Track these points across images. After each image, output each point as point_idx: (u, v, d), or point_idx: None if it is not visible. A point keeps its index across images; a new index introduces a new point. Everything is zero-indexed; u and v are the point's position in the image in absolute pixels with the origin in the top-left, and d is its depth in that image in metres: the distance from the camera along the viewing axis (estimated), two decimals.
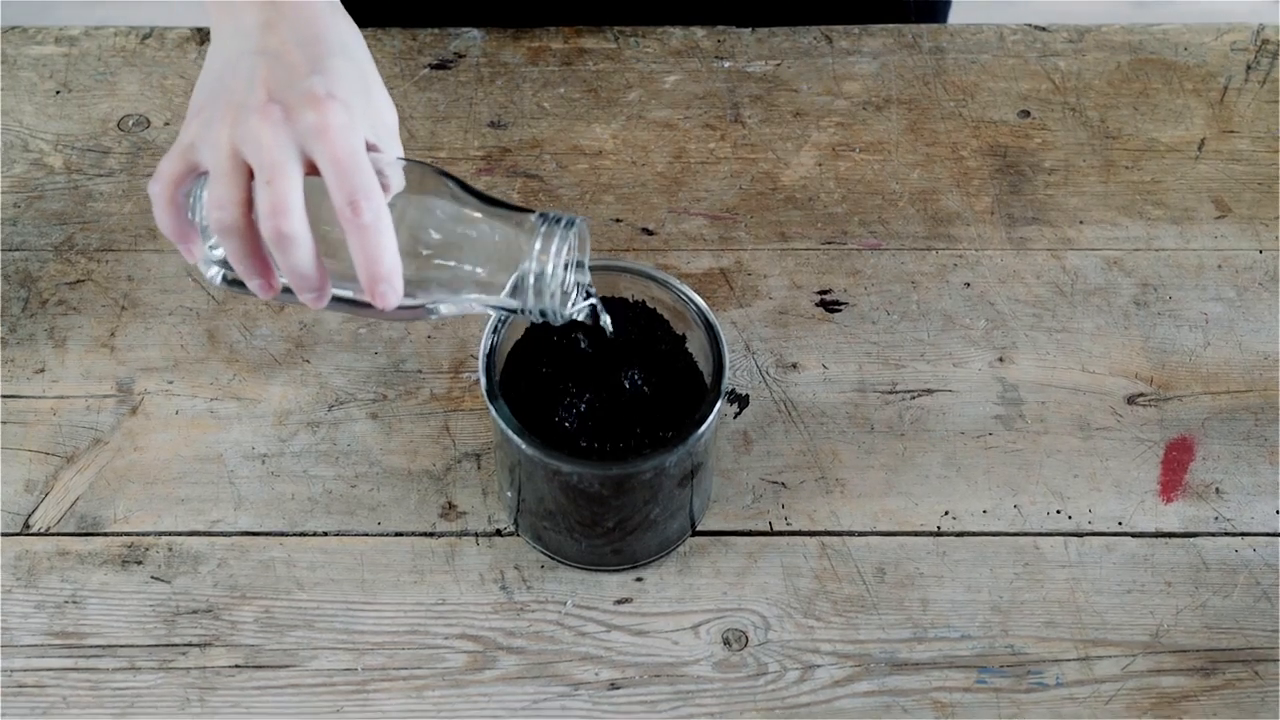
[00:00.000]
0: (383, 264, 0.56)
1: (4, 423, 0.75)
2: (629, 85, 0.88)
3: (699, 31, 0.90)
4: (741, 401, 0.76)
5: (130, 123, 0.86)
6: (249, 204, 0.57)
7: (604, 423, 0.66)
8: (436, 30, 0.89)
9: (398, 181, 0.59)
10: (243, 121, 0.56)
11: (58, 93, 0.87)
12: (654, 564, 0.71)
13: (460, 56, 0.89)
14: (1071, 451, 0.75)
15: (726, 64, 0.88)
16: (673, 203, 0.83)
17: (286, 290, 0.60)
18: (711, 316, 0.66)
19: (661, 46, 0.89)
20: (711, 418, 0.64)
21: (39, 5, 1.57)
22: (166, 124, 0.86)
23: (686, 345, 0.69)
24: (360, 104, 0.59)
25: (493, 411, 0.64)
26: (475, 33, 0.90)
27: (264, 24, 0.59)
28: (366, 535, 0.72)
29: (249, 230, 0.57)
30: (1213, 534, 0.72)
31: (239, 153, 0.57)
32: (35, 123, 0.86)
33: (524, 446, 0.64)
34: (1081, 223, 0.83)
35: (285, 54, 0.58)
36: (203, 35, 0.89)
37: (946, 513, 0.73)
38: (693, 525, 0.72)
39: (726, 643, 0.69)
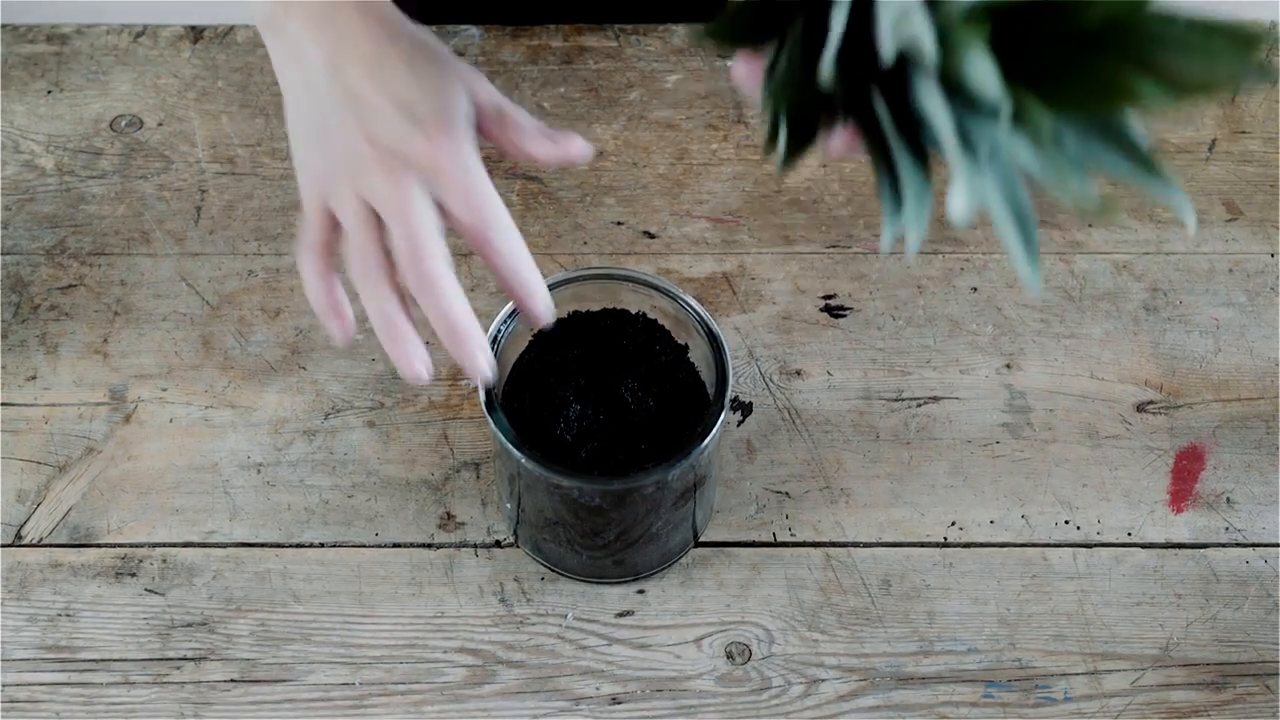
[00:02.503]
0: (536, 284, 0.58)
1: None
2: (630, 85, 0.86)
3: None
4: (745, 409, 0.75)
5: (123, 123, 0.84)
6: (388, 255, 0.57)
7: (605, 435, 0.65)
8: (434, 29, 0.88)
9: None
10: (363, 177, 0.57)
11: (49, 92, 0.86)
12: (656, 576, 0.70)
13: (459, 55, 0.87)
14: (1080, 460, 0.74)
15: (729, 63, 0.87)
16: (674, 205, 0.82)
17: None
18: (715, 327, 0.65)
19: (663, 45, 0.88)
20: (714, 431, 0.63)
21: (30, 3, 1.55)
22: (160, 124, 0.84)
23: (689, 355, 0.68)
24: (455, 103, 0.58)
25: (491, 424, 0.63)
26: (473, 31, 0.88)
27: (330, 67, 0.58)
28: (364, 546, 0.71)
29: (391, 281, 0.57)
30: (1223, 545, 0.71)
31: (369, 207, 0.57)
32: (26, 123, 0.84)
33: (523, 460, 0.63)
34: (1090, 226, 0.81)
35: (366, 97, 0.57)
36: (196, 33, 0.88)
37: (953, 523, 0.72)
38: (695, 537, 0.71)
39: (729, 656, 0.68)
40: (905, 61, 0.45)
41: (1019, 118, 0.44)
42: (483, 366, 0.58)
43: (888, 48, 0.44)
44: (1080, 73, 0.44)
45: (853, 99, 0.47)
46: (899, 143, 0.45)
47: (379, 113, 0.57)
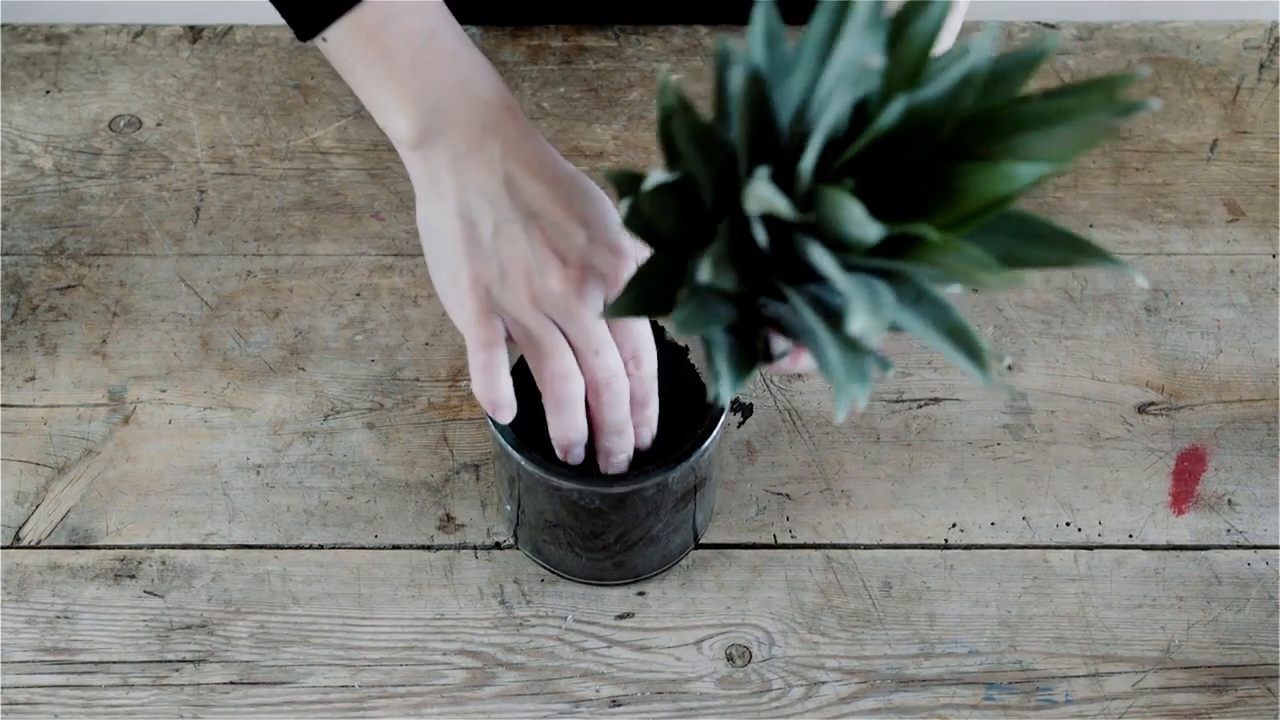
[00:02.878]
0: (654, 409, 0.62)
1: None
2: (630, 85, 0.86)
3: (702, 30, 0.88)
4: (745, 411, 0.75)
5: (122, 123, 0.84)
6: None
7: None
8: None
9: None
10: (543, 286, 0.59)
11: (48, 92, 0.85)
12: (656, 578, 0.70)
13: None
14: (1081, 462, 0.73)
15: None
16: None
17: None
18: None
19: (663, 45, 0.88)
20: (715, 434, 0.63)
21: (29, 2, 1.55)
22: (159, 124, 0.84)
23: (689, 356, 0.68)
24: (611, 222, 0.60)
25: (492, 427, 0.63)
26: (473, 30, 0.88)
27: (504, 180, 0.59)
28: (363, 548, 0.71)
29: (581, 399, 0.61)
30: (1225, 546, 0.71)
31: (543, 310, 0.59)
32: (25, 123, 0.84)
33: (524, 462, 0.62)
34: (1091, 226, 0.81)
35: (548, 211, 0.59)
36: (195, 33, 0.88)
37: (954, 525, 0.72)
38: (695, 539, 0.70)
39: (730, 659, 0.68)
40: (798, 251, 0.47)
41: (914, 252, 0.45)
42: (647, 442, 0.64)
43: (753, 213, 0.45)
44: (957, 183, 0.45)
45: (778, 297, 0.49)
46: (818, 321, 0.47)
47: (563, 229, 0.59)
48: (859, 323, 0.43)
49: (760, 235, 0.46)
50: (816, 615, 0.69)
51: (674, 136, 0.47)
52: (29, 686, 0.67)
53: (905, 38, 0.45)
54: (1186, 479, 0.73)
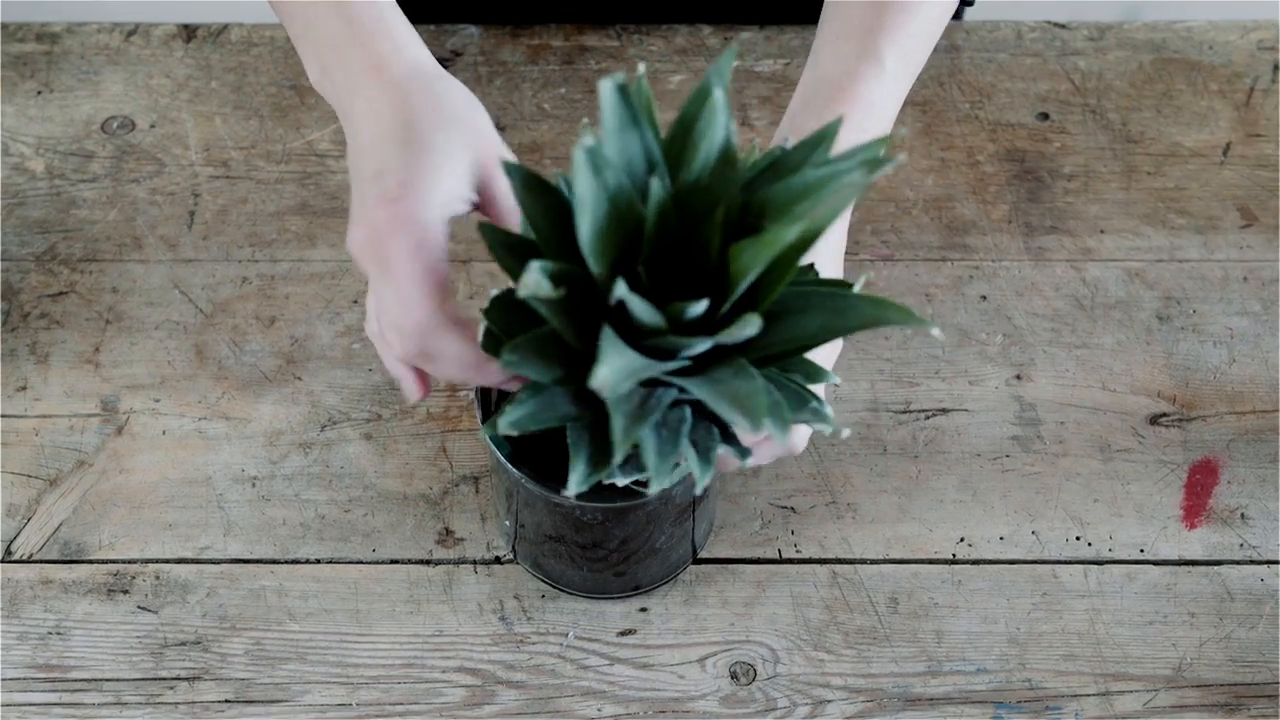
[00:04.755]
0: None
1: None
2: None
3: (705, 30, 0.86)
4: None
5: (115, 125, 0.83)
6: None
7: None
8: (432, 27, 0.86)
9: None
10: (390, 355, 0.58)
11: (39, 93, 0.84)
12: (659, 594, 0.69)
13: (457, 55, 0.85)
14: (1091, 474, 0.72)
15: (734, 63, 0.85)
16: None
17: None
18: None
19: (666, 45, 0.86)
20: None
21: (20, 1, 1.53)
22: (152, 126, 0.83)
23: None
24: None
25: (489, 442, 0.61)
26: (473, 29, 0.86)
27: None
28: (361, 563, 0.70)
29: None
30: (1238, 562, 0.70)
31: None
32: (16, 125, 0.83)
33: (522, 478, 0.61)
34: (1102, 232, 0.80)
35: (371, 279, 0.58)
36: (189, 32, 0.86)
37: (962, 539, 0.70)
38: (694, 551, 0.69)
39: (734, 676, 0.67)
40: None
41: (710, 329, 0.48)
42: None
43: (528, 299, 0.47)
44: (734, 258, 0.47)
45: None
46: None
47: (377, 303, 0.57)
48: (600, 374, 0.45)
49: (525, 295, 0.47)
50: (822, 632, 0.68)
51: (490, 249, 0.50)
52: (21, 705, 0.66)
53: (691, 141, 0.48)
54: (1199, 492, 0.72)
